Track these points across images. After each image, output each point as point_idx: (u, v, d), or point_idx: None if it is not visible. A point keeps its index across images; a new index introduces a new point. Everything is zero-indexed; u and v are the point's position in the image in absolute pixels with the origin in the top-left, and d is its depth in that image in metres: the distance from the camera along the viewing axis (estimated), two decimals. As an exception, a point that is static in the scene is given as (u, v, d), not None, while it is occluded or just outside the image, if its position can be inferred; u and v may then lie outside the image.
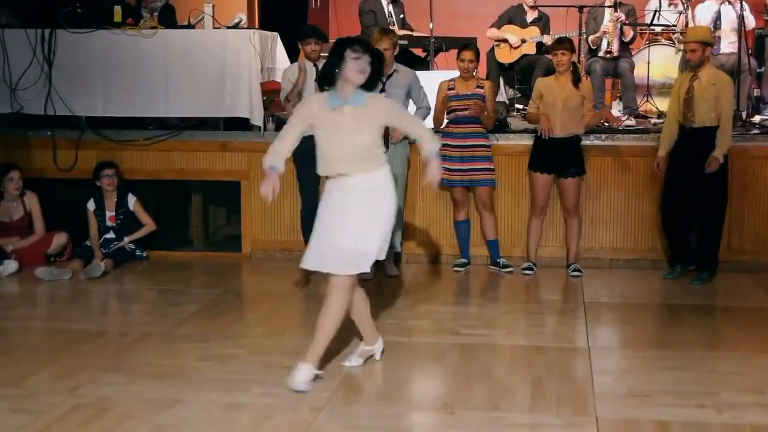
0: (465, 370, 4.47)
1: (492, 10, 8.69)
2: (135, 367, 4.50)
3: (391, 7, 8.40)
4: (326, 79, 4.19)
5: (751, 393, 4.12)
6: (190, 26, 7.32)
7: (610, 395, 4.10)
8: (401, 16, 8.51)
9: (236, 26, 7.24)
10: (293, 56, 7.35)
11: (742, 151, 6.64)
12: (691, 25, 8.25)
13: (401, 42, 7.46)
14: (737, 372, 4.42)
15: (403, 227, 6.68)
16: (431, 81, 6.66)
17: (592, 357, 4.66)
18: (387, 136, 5.25)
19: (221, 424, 3.78)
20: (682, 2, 8.58)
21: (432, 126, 6.44)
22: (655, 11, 8.36)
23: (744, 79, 7.67)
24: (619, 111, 8.15)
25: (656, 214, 6.70)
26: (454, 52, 6.86)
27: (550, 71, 7.04)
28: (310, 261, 4.24)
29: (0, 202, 6.99)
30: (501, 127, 7.04)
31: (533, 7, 8.42)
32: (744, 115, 7.59)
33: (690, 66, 6.24)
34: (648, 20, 8.45)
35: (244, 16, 7.46)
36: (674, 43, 8.48)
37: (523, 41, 8.34)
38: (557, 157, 6.46)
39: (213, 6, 7.23)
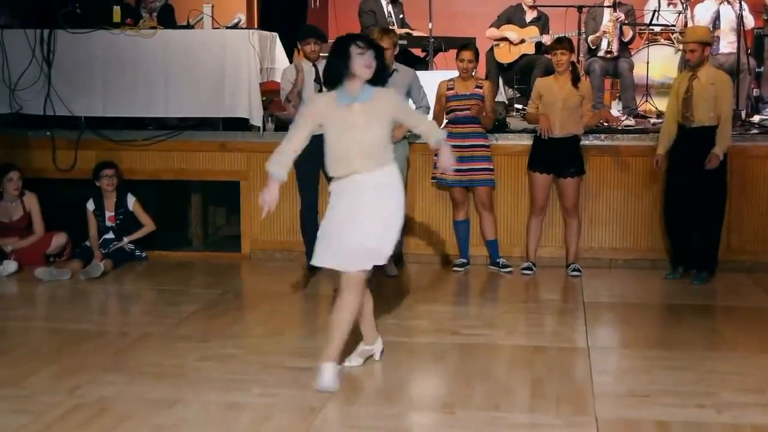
0: (465, 370, 4.47)
1: (491, 10, 8.69)
2: (135, 367, 4.49)
3: (390, 7, 8.39)
4: (333, 79, 4.16)
5: (751, 393, 4.12)
6: (189, 26, 7.32)
7: (609, 395, 4.10)
8: (401, 16, 8.51)
9: (235, 26, 7.23)
10: (293, 56, 7.36)
11: (741, 150, 6.65)
12: (690, 24, 8.25)
13: (401, 42, 7.46)
14: (737, 372, 4.42)
15: (403, 227, 6.65)
16: (431, 81, 6.66)
17: (592, 357, 4.66)
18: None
19: (221, 424, 3.77)
20: (681, 2, 8.59)
21: (432, 126, 6.44)
22: (655, 11, 8.36)
23: (743, 79, 7.68)
24: (619, 111, 8.15)
25: (656, 214, 6.70)
26: (453, 52, 6.85)
27: (549, 71, 7.04)
28: (321, 258, 4.21)
29: (-1, 202, 7.01)
30: (500, 127, 7.04)
31: (532, 7, 8.42)
32: (743, 114, 7.60)
33: (689, 66, 6.25)
34: (647, 20, 8.45)
35: (243, 17, 7.45)
36: (673, 43, 8.48)
37: (523, 41, 8.35)
38: (556, 157, 6.46)
39: (212, 6, 7.22)
